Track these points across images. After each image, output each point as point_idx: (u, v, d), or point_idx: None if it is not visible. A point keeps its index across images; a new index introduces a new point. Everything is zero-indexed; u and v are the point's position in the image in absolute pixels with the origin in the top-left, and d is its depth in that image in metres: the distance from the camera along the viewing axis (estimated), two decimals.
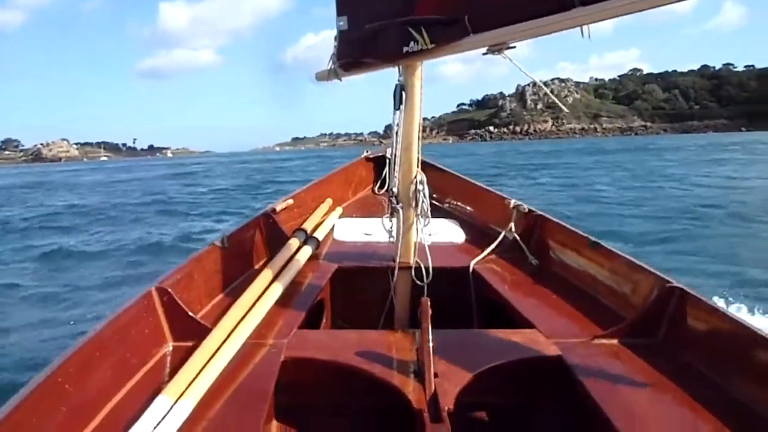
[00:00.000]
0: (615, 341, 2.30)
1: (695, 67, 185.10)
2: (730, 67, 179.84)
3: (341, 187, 4.91)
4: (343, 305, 3.24)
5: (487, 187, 4.45)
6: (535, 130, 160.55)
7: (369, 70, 2.77)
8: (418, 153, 2.77)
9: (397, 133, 2.75)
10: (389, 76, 2.76)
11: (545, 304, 2.80)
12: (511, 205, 3.65)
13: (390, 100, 2.78)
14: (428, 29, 2.48)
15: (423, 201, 2.73)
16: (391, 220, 2.87)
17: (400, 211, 2.77)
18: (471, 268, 3.23)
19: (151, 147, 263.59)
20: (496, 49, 2.36)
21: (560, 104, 3.77)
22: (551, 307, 2.77)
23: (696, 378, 2.03)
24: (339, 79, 2.82)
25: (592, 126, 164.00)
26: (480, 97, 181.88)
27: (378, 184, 5.16)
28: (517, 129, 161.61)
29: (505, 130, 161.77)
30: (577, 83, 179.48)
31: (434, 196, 4.24)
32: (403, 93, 2.69)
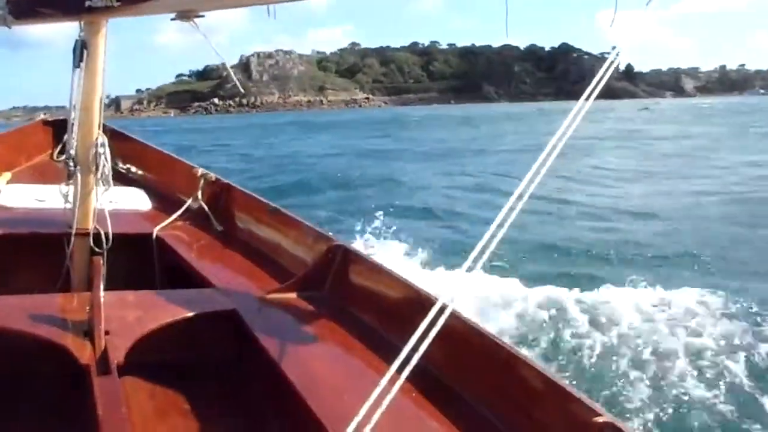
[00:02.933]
0: (288, 295, 2.52)
1: (407, 43, 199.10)
2: (437, 45, 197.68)
3: (10, 152, 4.42)
4: (9, 274, 3.00)
5: (176, 156, 4.46)
6: (262, 103, 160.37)
7: (46, 22, 2.59)
8: (100, 115, 2.67)
9: (74, 93, 2.62)
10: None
11: (226, 266, 2.96)
12: (199, 174, 3.74)
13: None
14: None
15: (104, 165, 2.67)
16: (68, 185, 2.74)
17: (79, 175, 2.66)
18: (155, 235, 3.25)
19: None
20: (185, 16, 2.39)
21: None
22: (231, 268, 2.93)
23: (353, 322, 2.33)
24: (8, 26, 2.60)
25: (318, 98, 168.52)
26: (201, 68, 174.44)
27: (58, 150, 4.60)
28: (244, 101, 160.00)
29: (231, 102, 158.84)
30: (301, 55, 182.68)
31: (121, 164, 4.15)
32: (85, 51, 2.56)
